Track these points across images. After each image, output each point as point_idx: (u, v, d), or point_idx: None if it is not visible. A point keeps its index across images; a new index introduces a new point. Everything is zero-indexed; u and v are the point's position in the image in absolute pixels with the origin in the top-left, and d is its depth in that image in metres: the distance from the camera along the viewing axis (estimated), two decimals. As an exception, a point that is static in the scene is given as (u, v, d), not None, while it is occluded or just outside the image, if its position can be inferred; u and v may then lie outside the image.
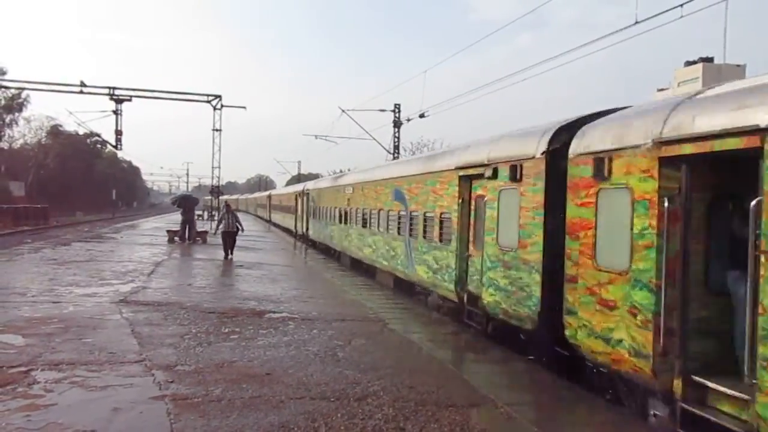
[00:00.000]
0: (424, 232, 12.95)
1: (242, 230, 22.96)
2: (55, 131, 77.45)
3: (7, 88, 55.41)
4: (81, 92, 36.06)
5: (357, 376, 7.37)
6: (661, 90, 9.34)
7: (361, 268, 19.80)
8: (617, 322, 6.22)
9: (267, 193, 65.77)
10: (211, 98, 39.05)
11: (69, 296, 12.37)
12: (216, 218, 34.58)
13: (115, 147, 39.03)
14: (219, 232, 22.84)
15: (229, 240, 22.12)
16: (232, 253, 22.01)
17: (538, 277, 7.97)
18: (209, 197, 45.93)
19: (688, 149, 5.48)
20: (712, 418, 5.11)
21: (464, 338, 10.35)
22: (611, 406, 6.95)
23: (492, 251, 9.32)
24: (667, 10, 11.03)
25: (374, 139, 36.09)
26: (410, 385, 7.11)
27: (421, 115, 29.53)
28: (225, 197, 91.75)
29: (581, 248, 6.91)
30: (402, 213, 14.83)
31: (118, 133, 37.22)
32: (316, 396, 6.58)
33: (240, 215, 24.10)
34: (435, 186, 12.35)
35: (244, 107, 40.83)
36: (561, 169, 7.54)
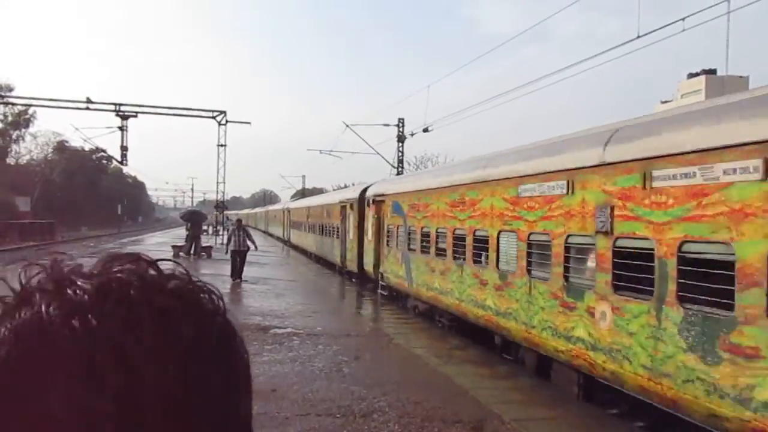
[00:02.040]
0: None
1: (256, 248, 20.78)
2: (61, 147, 77.87)
3: (14, 104, 55.84)
4: (87, 108, 36.29)
5: (362, 392, 7.33)
6: (665, 102, 9.35)
7: None
8: None
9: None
10: (215, 114, 39.24)
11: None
12: (221, 233, 34.58)
13: (121, 162, 39.19)
14: (229, 250, 20.46)
15: (239, 260, 19.86)
16: (240, 276, 19.79)
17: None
18: (216, 212, 45.24)
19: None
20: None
21: (470, 353, 10.29)
22: (619, 422, 6.88)
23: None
24: (668, 24, 11.08)
25: (378, 153, 36.13)
26: (416, 400, 7.07)
27: (425, 130, 29.59)
28: (245, 211, 74.08)
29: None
30: None
31: (124, 148, 37.39)
32: (321, 412, 6.55)
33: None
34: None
35: (248, 122, 41.14)
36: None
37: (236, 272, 19.81)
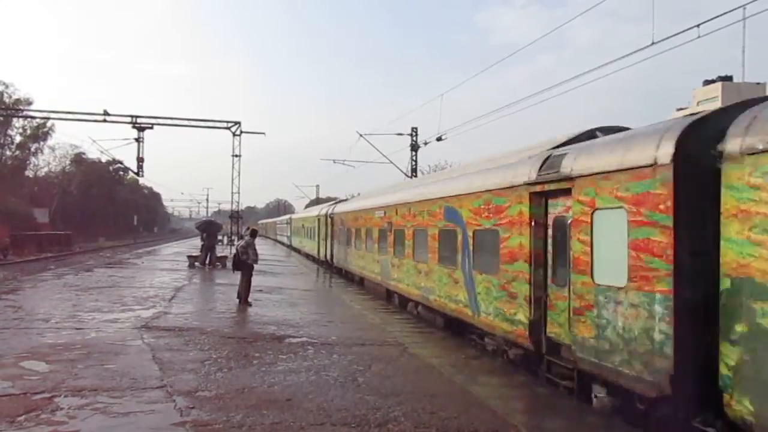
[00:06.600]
0: None
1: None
2: (79, 159, 78.98)
3: (33, 117, 56.80)
4: (104, 121, 36.79)
5: (378, 402, 7.32)
6: (681, 109, 9.30)
7: None
8: None
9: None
10: (230, 124, 39.57)
11: (91, 322, 12.48)
12: (235, 243, 34.58)
13: (137, 174, 39.61)
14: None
15: (245, 275, 16.21)
16: (248, 300, 16.04)
17: None
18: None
19: None
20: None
21: (485, 362, 10.22)
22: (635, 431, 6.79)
23: None
24: (683, 31, 11.02)
25: (392, 162, 36.24)
26: (431, 410, 7.04)
27: (439, 138, 29.65)
28: (293, 215, 59.58)
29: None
30: None
31: (140, 160, 37.81)
32: (336, 422, 6.54)
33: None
34: None
35: (263, 133, 41.54)
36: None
37: (241, 293, 16.25)
